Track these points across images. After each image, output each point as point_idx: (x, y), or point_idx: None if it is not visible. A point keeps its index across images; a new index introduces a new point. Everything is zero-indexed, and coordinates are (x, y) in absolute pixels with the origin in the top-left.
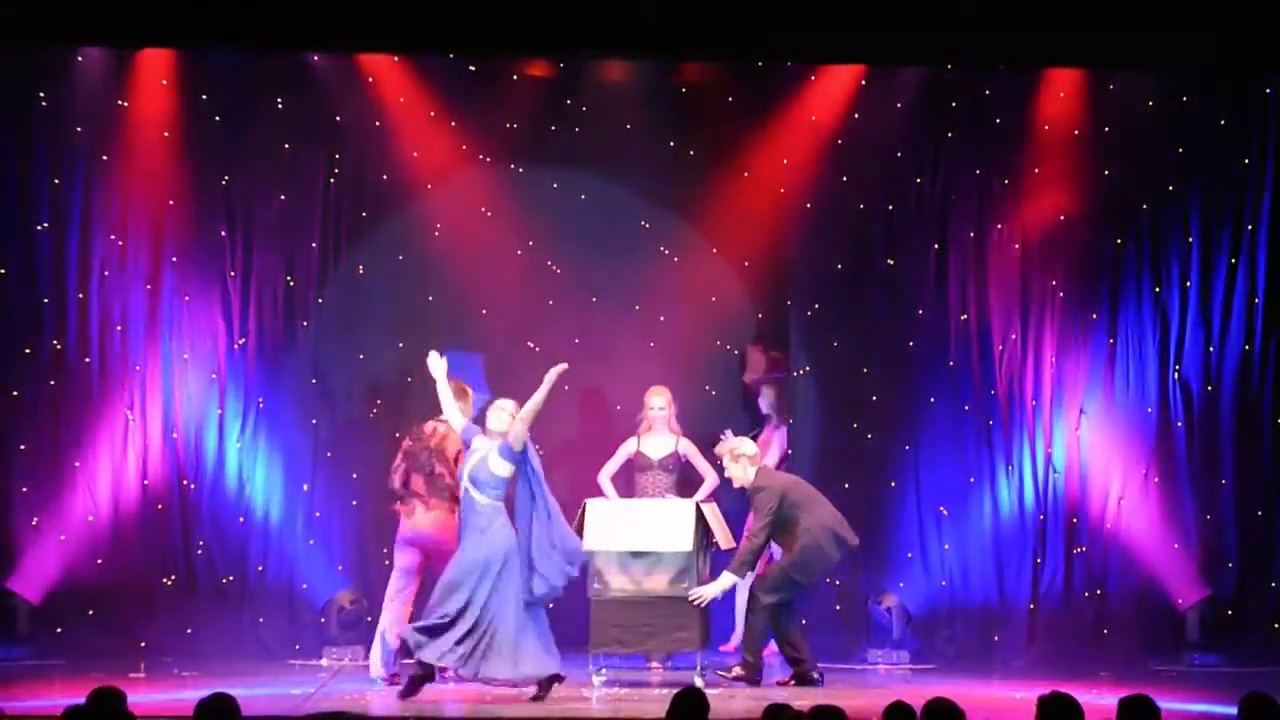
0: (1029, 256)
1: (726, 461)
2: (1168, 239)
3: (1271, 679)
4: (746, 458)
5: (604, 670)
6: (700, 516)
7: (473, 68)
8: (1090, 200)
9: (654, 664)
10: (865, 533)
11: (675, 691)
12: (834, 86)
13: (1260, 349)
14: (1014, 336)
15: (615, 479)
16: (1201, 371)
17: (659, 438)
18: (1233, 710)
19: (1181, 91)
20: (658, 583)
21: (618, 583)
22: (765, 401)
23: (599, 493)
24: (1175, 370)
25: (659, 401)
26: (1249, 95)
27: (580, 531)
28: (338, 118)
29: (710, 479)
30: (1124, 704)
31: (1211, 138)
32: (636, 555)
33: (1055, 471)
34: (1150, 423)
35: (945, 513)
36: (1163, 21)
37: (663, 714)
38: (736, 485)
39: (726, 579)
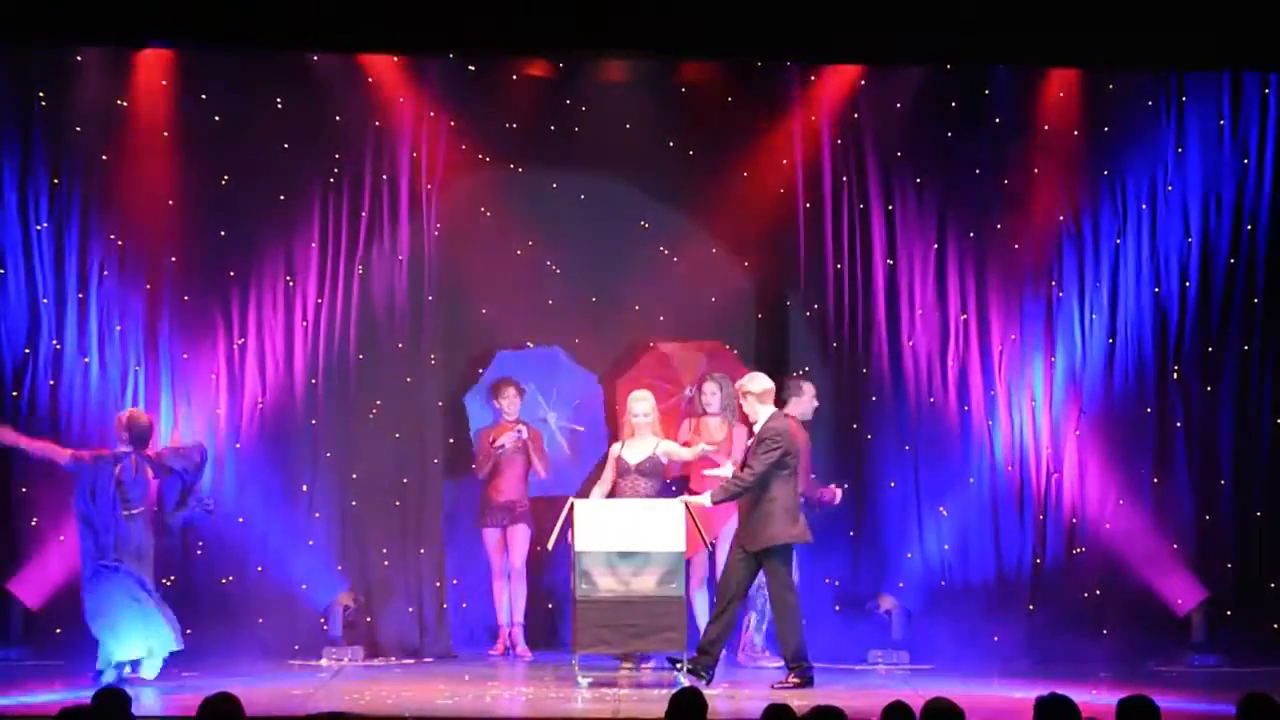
0: (1029, 256)
1: (739, 397)
2: (1167, 239)
3: (1271, 679)
4: (756, 395)
5: (589, 672)
6: (690, 517)
7: (472, 68)
8: (1090, 200)
9: (627, 666)
10: (865, 533)
11: (674, 691)
12: (834, 86)
13: (1259, 349)
14: (1014, 336)
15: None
16: (1201, 371)
17: (641, 442)
18: (1232, 710)
19: (1181, 91)
20: (646, 583)
21: (605, 583)
22: (716, 400)
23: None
24: (1175, 370)
25: (642, 408)
26: (1249, 95)
27: (569, 532)
28: (338, 118)
29: (690, 453)
30: (1123, 704)
31: (1211, 138)
32: (624, 555)
33: (1055, 472)
34: (1150, 423)
35: (945, 513)
36: (1163, 21)
37: (662, 714)
38: (751, 422)
39: (705, 498)
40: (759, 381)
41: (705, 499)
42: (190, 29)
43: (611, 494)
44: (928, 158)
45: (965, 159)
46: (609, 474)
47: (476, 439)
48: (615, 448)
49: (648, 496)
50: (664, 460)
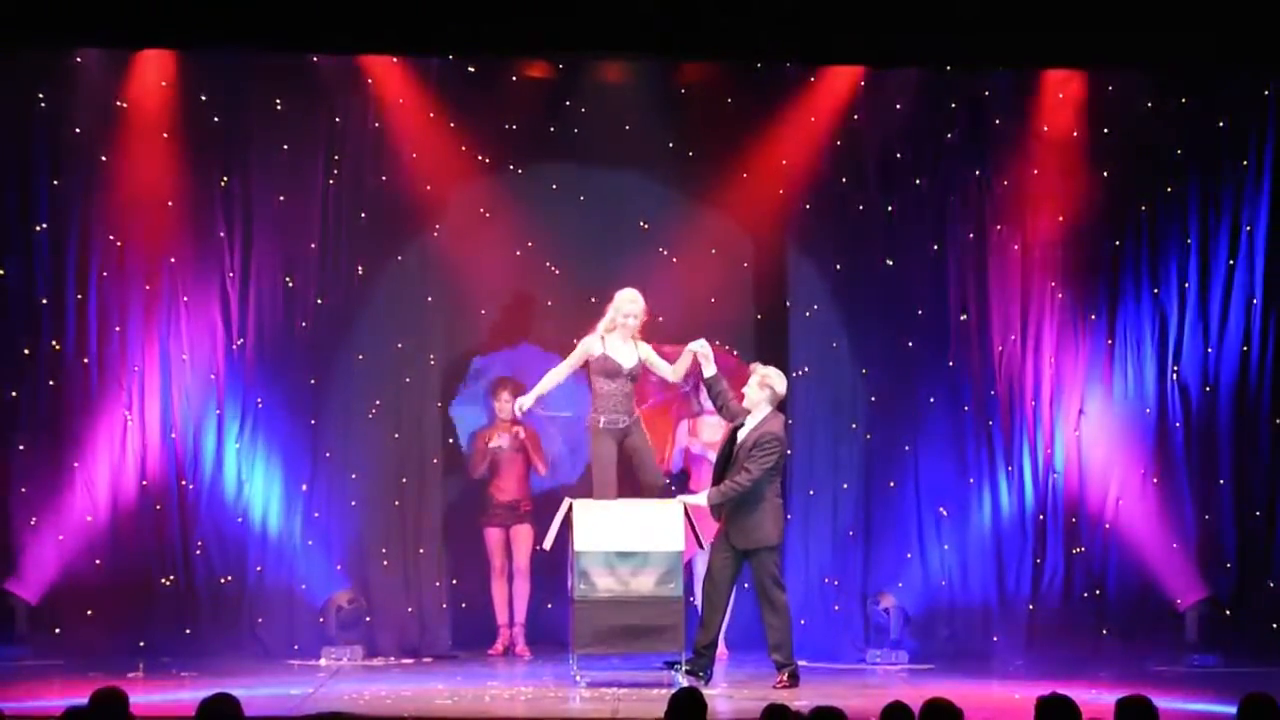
0: (1028, 257)
1: (753, 381)
2: (1166, 240)
3: (1271, 679)
4: (772, 391)
5: (587, 672)
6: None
7: (472, 69)
8: (1089, 201)
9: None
10: (865, 533)
11: (673, 691)
12: (834, 87)
13: (1258, 349)
14: (1013, 337)
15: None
16: (1200, 372)
17: (624, 346)
18: (1232, 710)
19: (1181, 92)
20: (644, 583)
21: (604, 583)
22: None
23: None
24: (1174, 371)
25: (634, 308)
26: (1248, 95)
27: (566, 532)
28: (337, 118)
29: (669, 371)
30: (1122, 704)
31: (1210, 138)
32: (623, 555)
33: (1055, 472)
34: (1149, 423)
35: (945, 513)
36: (1163, 21)
37: (662, 714)
38: (744, 404)
39: (701, 498)
40: (783, 382)
41: (701, 499)
42: (190, 29)
43: (588, 396)
44: (928, 158)
45: (965, 159)
46: (573, 362)
47: (471, 440)
48: (593, 343)
49: (630, 399)
50: (644, 362)
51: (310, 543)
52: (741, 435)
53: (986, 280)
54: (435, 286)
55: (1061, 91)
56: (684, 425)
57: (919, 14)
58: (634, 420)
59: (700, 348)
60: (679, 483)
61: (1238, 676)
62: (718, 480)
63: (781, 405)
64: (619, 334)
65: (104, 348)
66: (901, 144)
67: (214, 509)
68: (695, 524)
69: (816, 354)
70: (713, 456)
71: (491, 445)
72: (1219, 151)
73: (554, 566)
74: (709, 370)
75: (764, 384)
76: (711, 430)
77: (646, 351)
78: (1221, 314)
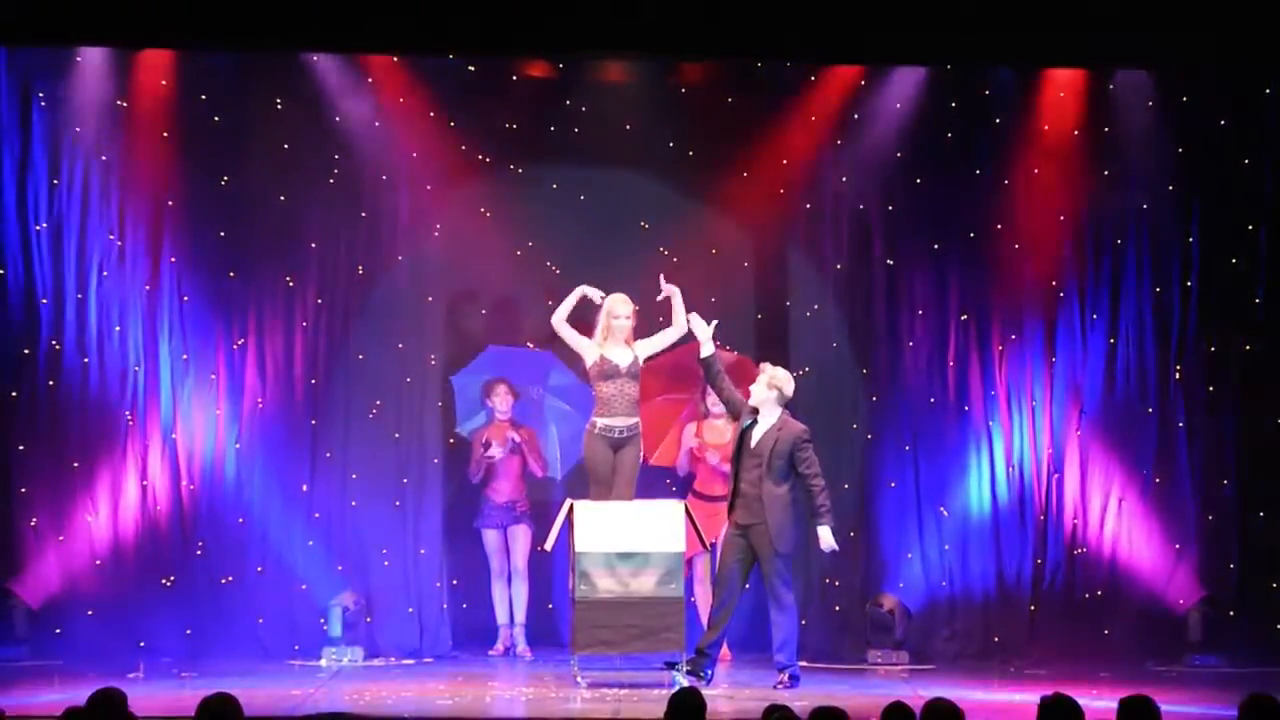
0: (1029, 256)
1: (761, 380)
2: (1168, 238)
3: (1272, 680)
4: (779, 392)
5: (587, 673)
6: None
7: (472, 68)
8: (1090, 199)
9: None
10: (865, 533)
11: (673, 692)
12: (834, 86)
13: (1262, 349)
14: (1014, 336)
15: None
16: (1202, 372)
17: (619, 348)
18: (1233, 711)
19: (1181, 91)
20: (645, 584)
21: (605, 584)
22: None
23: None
24: (1176, 370)
25: (625, 310)
26: (1249, 95)
27: (567, 533)
28: (337, 118)
29: (672, 331)
30: (1124, 704)
31: (1212, 138)
32: (623, 556)
33: (1055, 472)
34: (1151, 423)
35: (945, 513)
36: (1163, 21)
37: (662, 714)
38: (752, 402)
39: (826, 532)
40: (791, 384)
41: (826, 533)
42: (190, 29)
43: (593, 400)
44: (928, 158)
45: (965, 159)
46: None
47: (471, 440)
48: (591, 347)
49: (635, 401)
50: (640, 361)
51: (310, 543)
52: (758, 435)
53: (986, 280)
54: (435, 286)
55: (1062, 90)
56: (690, 428)
57: (919, 13)
58: (633, 432)
59: (697, 323)
60: (683, 485)
61: (1239, 677)
62: (735, 480)
63: (786, 406)
64: (614, 339)
65: (104, 348)
66: (901, 144)
67: (214, 509)
68: (699, 525)
69: (816, 354)
70: (713, 458)
71: (487, 453)
72: (1220, 150)
73: (554, 567)
74: (706, 350)
75: (771, 384)
76: (717, 433)
77: (644, 346)
78: (1224, 313)
